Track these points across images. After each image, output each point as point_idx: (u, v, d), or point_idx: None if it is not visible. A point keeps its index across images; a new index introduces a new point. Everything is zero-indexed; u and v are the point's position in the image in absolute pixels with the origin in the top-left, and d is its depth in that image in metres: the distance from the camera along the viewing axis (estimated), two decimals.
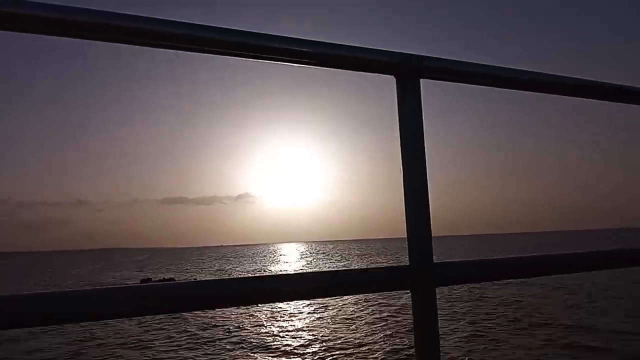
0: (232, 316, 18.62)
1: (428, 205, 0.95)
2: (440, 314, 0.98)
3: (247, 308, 19.45)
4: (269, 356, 12.46)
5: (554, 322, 14.90)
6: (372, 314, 18.05)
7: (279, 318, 18.18)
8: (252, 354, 12.76)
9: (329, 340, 14.04)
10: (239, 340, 14.48)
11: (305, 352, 12.81)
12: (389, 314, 17.79)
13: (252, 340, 14.44)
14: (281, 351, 12.94)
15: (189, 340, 14.55)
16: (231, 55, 0.86)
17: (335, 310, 19.41)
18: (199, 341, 14.44)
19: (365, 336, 14.26)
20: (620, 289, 21.19)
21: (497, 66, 1.10)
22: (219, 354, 12.84)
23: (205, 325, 16.84)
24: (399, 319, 16.72)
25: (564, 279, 24.43)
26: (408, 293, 0.94)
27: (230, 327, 16.56)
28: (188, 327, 16.63)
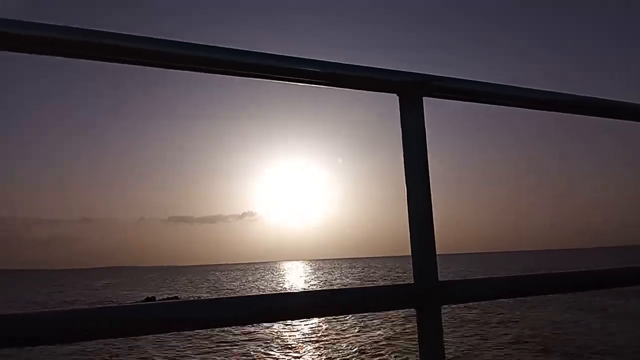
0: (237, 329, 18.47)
1: (432, 223, 0.95)
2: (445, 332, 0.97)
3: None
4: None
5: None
6: (376, 331, 17.85)
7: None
8: None
9: (327, 355, 13.85)
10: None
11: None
12: (393, 332, 17.58)
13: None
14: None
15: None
16: (237, 75, 0.88)
17: (338, 327, 19.20)
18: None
19: (370, 354, 14.07)
20: None
21: (500, 84, 1.10)
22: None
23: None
24: (403, 337, 16.51)
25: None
26: (413, 311, 0.93)
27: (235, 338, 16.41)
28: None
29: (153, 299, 36.30)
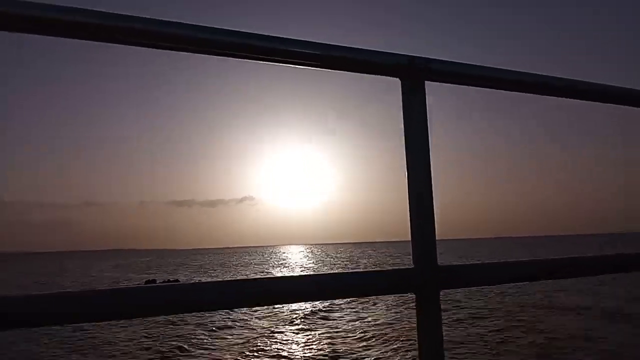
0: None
1: (432, 207, 0.95)
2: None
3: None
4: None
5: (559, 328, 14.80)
6: (375, 315, 18.01)
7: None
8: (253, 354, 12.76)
9: (330, 342, 14.01)
10: (243, 338, 14.49)
11: (304, 353, 12.79)
12: (392, 316, 17.74)
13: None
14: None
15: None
16: (238, 57, 0.87)
17: (337, 311, 19.37)
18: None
19: (368, 338, 14.22)
20: None
21: (503, 69, 1.09)
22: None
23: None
24: (401, 321, 16.66)
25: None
26: (412, 295, 0.94)
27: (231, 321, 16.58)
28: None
29: (154, 281, 36.57)
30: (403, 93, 0.97)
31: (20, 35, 0.74)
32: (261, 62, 0.88)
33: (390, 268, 0.93)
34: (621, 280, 24.05)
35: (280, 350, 13.28)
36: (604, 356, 11.26)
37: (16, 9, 0.70)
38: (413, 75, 0.97)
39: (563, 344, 12.51)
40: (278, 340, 14.63)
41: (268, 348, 13.58)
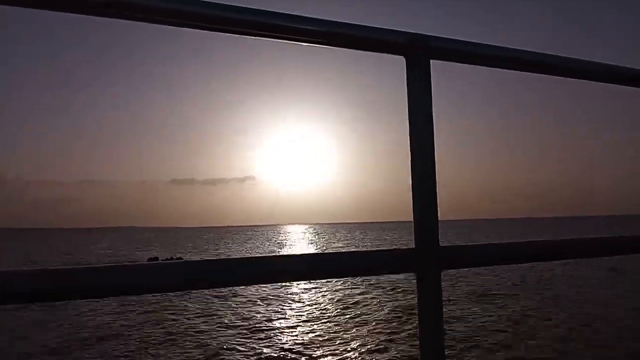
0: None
1: (435, 188, 0.95)
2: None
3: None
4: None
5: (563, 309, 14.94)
6: (376, 296, 18.18)
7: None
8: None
9: (332, 321, 14.18)
10: (245, 316, 14.68)
11: (306, 332, 12.97)
12: (393, 296, 17.91)
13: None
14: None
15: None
16: (241, 34, 0.85)
17: (339, 290, 19.56)
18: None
19: (369, 318, 14.39)
20: None
21: (508, 47, 1.07)
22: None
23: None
24: (402, 301, 16.83)
25: None
26: (413, 276, 0.94)
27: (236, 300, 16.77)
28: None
29: (156, 259, 36.88)
30: (407, 71, 0.96)
31: (21, 10, 0.72)
32: (266, 38, 0.87)
33: (391, 248, 0.93)
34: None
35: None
36: None
37: None
38: (418, 54, 0.95)
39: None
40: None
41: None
